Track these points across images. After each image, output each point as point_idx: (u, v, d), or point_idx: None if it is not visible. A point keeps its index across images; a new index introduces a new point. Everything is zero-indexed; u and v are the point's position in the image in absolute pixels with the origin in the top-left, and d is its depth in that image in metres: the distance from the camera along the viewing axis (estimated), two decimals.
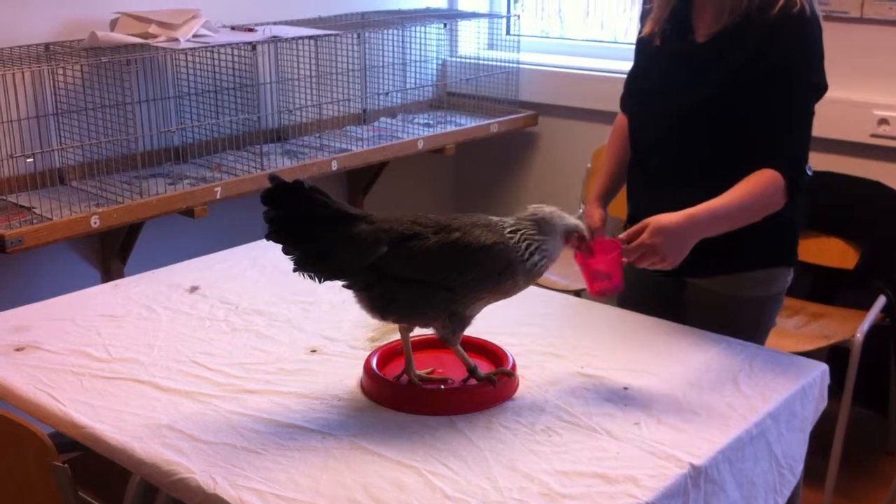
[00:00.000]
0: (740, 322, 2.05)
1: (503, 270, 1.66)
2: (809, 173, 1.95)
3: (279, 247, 1.66)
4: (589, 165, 3.60)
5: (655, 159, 2.09)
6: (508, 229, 1.69)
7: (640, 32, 2.14)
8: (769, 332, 2.13)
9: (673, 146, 2.05)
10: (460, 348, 1.75)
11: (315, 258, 1.66)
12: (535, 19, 4.18)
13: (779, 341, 2.66)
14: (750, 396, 1.75)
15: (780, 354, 1.96)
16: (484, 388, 1.73)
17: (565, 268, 3.31)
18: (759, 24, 1.91)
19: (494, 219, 1.72)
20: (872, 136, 3.10)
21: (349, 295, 1.73)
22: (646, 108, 2.13)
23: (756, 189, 1.88)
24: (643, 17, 2.15)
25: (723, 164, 1.95)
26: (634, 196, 2.16)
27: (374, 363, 1.80)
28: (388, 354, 1.86)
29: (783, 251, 2.08)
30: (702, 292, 2.09)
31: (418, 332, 1.80)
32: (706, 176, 1.96)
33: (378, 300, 1.69)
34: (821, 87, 1.98)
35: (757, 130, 1.93)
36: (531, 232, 1.69)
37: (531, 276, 1.71)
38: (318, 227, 1.65)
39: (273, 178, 1.64)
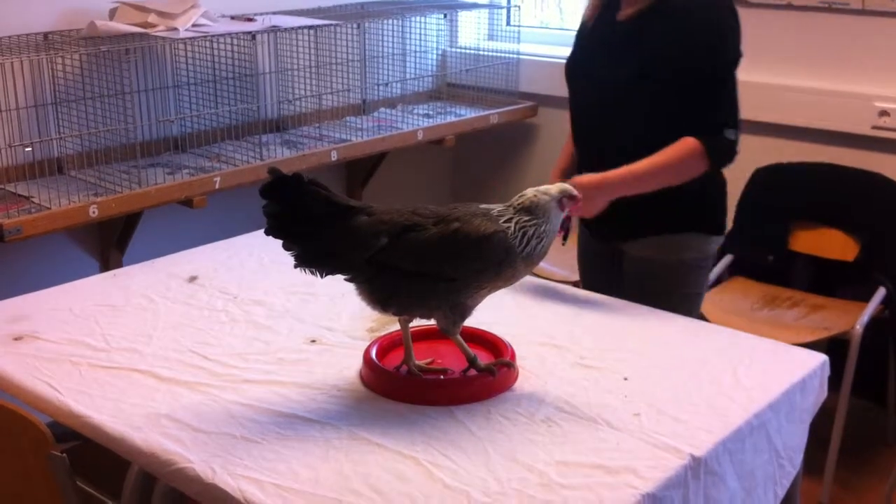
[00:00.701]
0: (674, 287, 2.21)
1: (503, 259, 1.66)
2: (731, 138, 2.08)
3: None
4: None
5: (592, 137, 2.27)
6: (503, 219, 1.68)
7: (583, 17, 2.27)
8: (702, 299, 2.30)
9: (605, 123, 2.22)
10: (460, 338, 1.74)
11: (315, 254, 1.66)
12: (535, 10, 4.17)
13: (779, 332, 2.66)
14: (750, 388, 1.75)
15: (780, 346, 1.95)
16: (483, 379, 1.73)
17: (563, 259, 3.31)
18: (677, 2, 2.07)
19: (493, 208, 1.71)
20: (873, 127, 3.09)
21: (348, 286, 1.72)
22: (578, 87, 2.29)
23: (671, 154, 2.07)
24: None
25: (653, 138, 2.09)
26: (581, 172, 2.23)
27: (373, 353, 1.80)
28: (387, 345, 1.85)
29: (708, 217, 2.23)
30: (637, 262, 2.25)
31: (417, 322, 1.79)
32: (639, 151, 2.10)
33: (379, 293, 1.69)
34: (737, 60, 2.13)
35: (678, 105, 2.09)
36: (525, 218, 1.69)
37: (530, 262, 1.70)
38: (317, 222, 1.65)
39: (272, 170, 1.63)
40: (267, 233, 1.65)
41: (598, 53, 2.22)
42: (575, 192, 1.75)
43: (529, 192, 1.73)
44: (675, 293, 2.21)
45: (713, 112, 2.09)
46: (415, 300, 1.69)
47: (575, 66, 2.30)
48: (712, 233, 2.25)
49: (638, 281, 2.25)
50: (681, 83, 2.08)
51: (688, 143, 2.06)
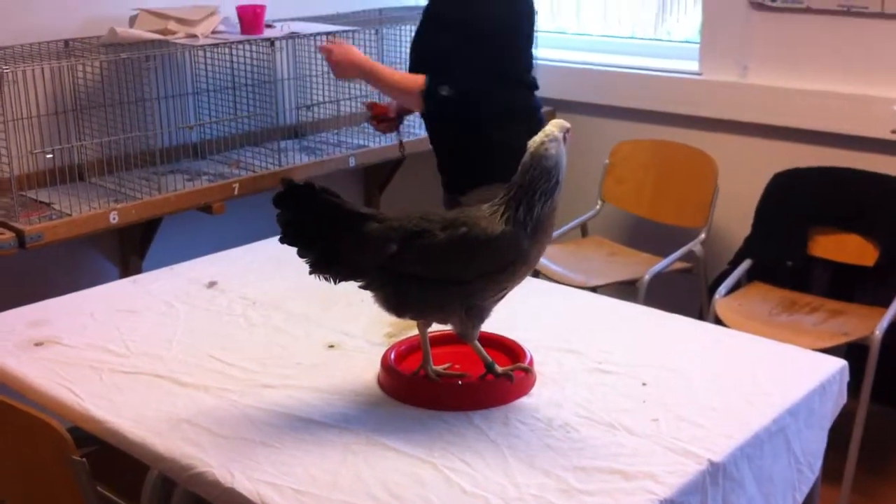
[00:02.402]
0: None
1: (515, 259, 1.66)
2: (443, 93, 2.69)
3: None
4: (606, 161, 3.59)
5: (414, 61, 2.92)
6: (508, 207, 1.65)
7: None
8: None
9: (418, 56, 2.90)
10: (478, 344, 1.74)
11: (328, 261, 1.68)
12: (552, 15, 4.17)
13: (798, 338, 2.65)
14: (769, 393, 1.75)
15: (799, 351, 1.95)
16: (501, 384, 1.73)
17: (578, 263, 3.31)
18: None
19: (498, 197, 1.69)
20: (893, 131, 3.07)
21: (367, 291, 1.73)
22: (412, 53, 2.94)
23: (402, 79, 2.82)
24: None
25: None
26: None
27: (391, 358, 1.80)
28: (405, 350, 1.86)
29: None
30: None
31: (436, 327, 1.80)
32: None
33: (393, 298, 1.70)
34: (487, 28, 2.70)
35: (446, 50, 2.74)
36: (515, 193, 1.66)
37: (542, 236, 1.67)
38: (329, 229, 1.67)
39: (284, 180, 1.66)
40: (281, 241, 1.67)
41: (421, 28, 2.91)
42: (567, 124, 1.71)
43: (533, 146, 1.67)
44: None
45: (449, 65, 2.69)
46: (429, 305, 1.70)
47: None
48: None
49: None
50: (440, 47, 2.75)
51: (416, 80, 2.72)
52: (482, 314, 1.71)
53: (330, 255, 1.68)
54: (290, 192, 1.66)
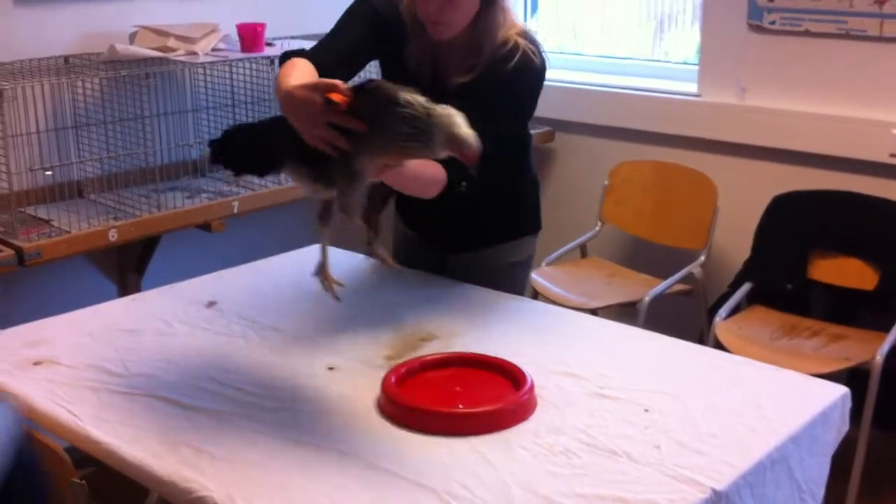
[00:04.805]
0: (499, 286, 2.32)
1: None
2: (463, 190, 2.09)
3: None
4: (606, 182, 3.59)
5: None
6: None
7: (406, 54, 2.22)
8: (525, 292, 2.51)
9: None
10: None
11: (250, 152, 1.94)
12: (551, 34, 4.18)
13: (799, 363, 2.64)
14: (771, 420, 1.74)
15: (801, 377, 1.94)
16: (502, 410, 1.72)
17: (578, 285, 3.31)
18: (494, 77, 2.11)
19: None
20: (892, 155, 3.08)
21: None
22: None
23: (423, 169, 1.99)
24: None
25: None
26: None
27: (391, 382, 1.79)
28: (405, 373, 1.84)
29: (525, 224, 2.41)
30: (472, 263, 2.39)
31: (441, 348, 1.78)
32: None
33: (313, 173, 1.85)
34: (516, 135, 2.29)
35: None
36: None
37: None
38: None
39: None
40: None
41: None
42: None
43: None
44: (505, 289, 2.33)
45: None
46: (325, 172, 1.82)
47: None
48: (532, 233, 2.44)
49: (466, 278, 2.37)
50: None
51: (438, 172, 2.01)
52: (357, 177, 1.77)
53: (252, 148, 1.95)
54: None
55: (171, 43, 2.99)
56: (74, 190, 2.89)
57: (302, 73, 1.96)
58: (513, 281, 2.39)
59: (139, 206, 2.81)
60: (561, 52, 4.14)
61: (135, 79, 2.84)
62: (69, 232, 2.60)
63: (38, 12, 2.89)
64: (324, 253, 1.93)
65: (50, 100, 2.85)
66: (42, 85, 2.73)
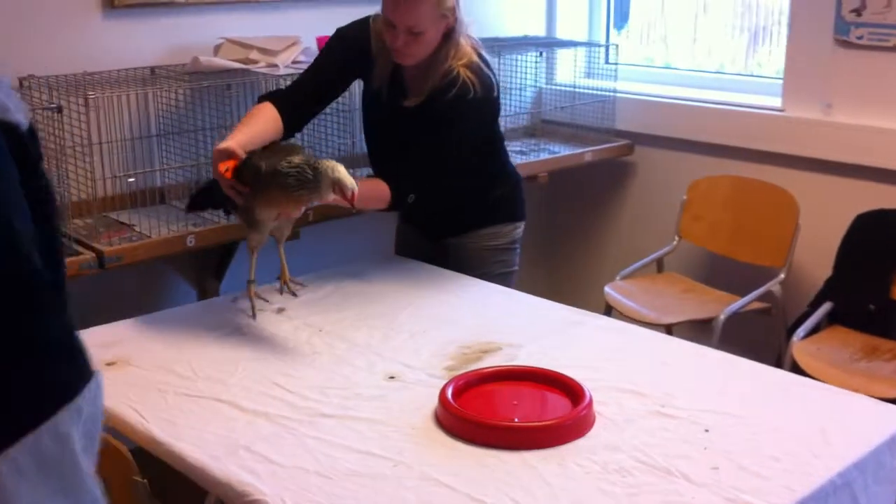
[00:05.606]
0: (489, 266, 2.68)
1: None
2: (409, 201, 2.50)
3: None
4: (684, 197, 3.54)
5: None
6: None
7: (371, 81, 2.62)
8: (515, 275, 2.77)
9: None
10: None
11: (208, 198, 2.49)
12: (640, 44, 4.14)
13: (874, 385, 2.57)
14: (836, 444, 1.69)
15: (871, 401, 1.88)
16: (558, 425, 1.72)
17: (652, 300, 3.27)
18: (438, 103, 2.46)
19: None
20: None
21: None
22: (374, 143, 2.77)
23: (367, 186, 2.41)
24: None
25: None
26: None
27: (449, 394, 1.80)
28: (463, 385, 1.85)
29: (496, 213, 2.72)
30: (458, 248, 2.72)
31: (504, 360, 1.78)
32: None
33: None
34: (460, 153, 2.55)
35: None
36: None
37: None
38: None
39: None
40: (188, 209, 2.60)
41: (396, 125, 2.61)
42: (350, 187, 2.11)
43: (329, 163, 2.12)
44: (495, 270, 2.68)
45: (411, 175, 2.51)
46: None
47: (373, 130, 2.76)
48: (516, 220, 2.75)
49: (459, 264, 2.68)
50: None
51: (383, 191, 2.44)
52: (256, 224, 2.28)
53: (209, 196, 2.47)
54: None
55: (253, 55, 3.06)
56: (156, 196, 2.97)
57: (254, 123, 2.40)
58: (496, 261, 2.72)
59: (218, 213, 2.87)
60: (647, 66, 4.10)
61: (217, 89, 2.91)
62: (149, 237, 2.68)
63: (126, 24, 2.98)
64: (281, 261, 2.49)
65: (136, 109, 2.93)
66: (128, 95, 2.81)
